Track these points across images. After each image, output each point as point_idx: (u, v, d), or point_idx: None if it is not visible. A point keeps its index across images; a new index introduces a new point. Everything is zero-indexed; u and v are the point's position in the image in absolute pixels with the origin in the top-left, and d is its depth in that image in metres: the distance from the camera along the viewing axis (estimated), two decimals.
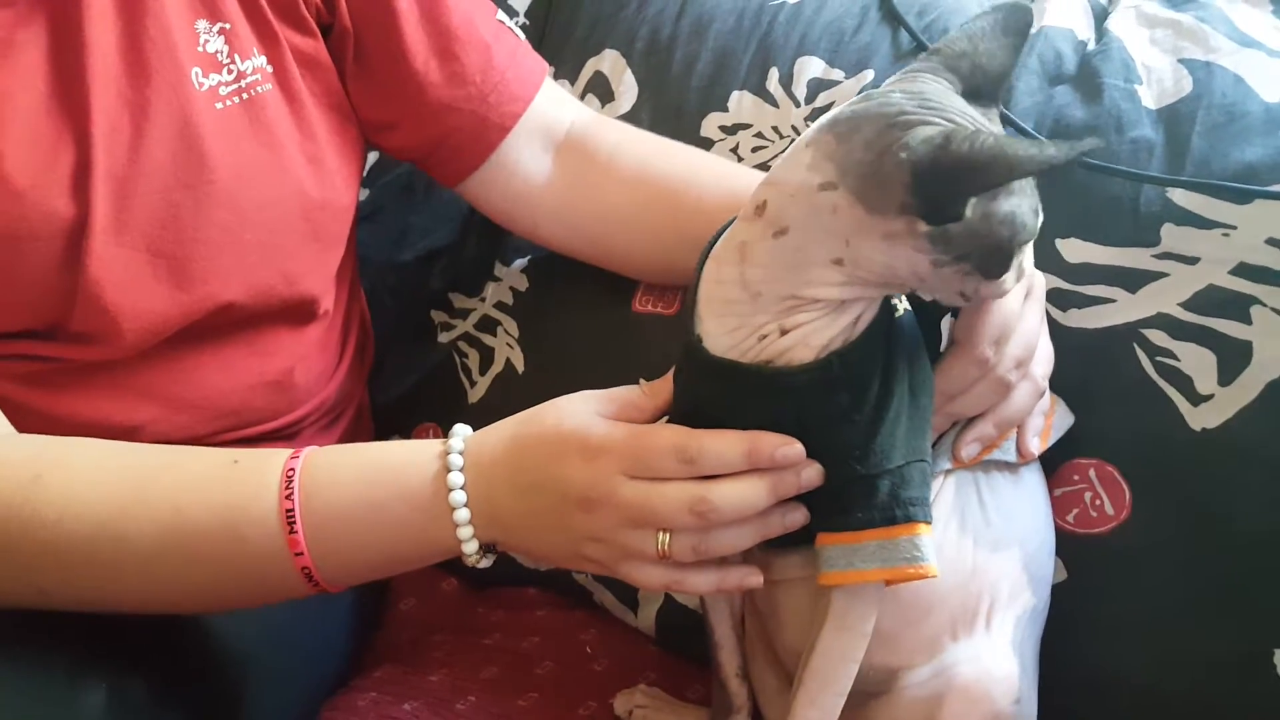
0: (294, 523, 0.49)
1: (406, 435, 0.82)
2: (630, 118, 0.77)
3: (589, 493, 0.47)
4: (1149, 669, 0.57)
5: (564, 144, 0.69)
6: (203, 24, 0.58)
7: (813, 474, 0.47)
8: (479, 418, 0.78)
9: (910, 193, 0.42)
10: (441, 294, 0.84)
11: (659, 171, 0.66)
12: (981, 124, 0.45)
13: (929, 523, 0.47)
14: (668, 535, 0.47)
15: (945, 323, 0.53)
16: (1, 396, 0.56)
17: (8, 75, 0.54)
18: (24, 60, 0.54)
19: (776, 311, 0.46)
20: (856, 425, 0.46)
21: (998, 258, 0.44)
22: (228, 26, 0.59)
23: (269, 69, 0.60)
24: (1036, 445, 0.55)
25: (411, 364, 0.83)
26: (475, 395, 0.79)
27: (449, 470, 0.50)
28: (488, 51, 0.65)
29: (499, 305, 0.80)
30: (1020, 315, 0.52)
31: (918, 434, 0.48)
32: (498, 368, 0.78)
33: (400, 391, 0.83)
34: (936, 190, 0.42)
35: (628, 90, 0.79)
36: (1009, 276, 0.46)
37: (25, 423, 0.56)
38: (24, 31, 0.54)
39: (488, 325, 0.80)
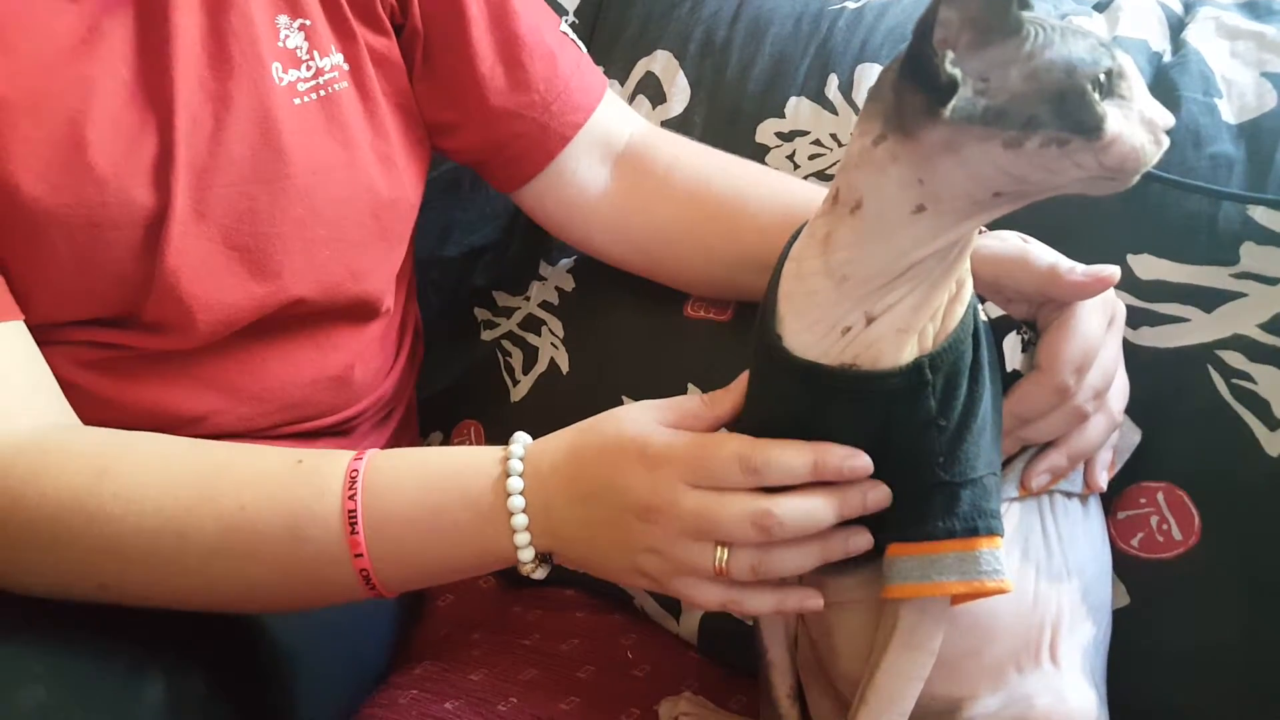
0: (355, 523, 0.49)
1: (447, 432, 0.81)
2: (682, 120, 0.76)
3: (649, 500, 0.47)
4: (1210, 701, 0.56)
5: (622, 156, 0.69)
6: (284, 19, 0.59)
7: (880, 496, 0.46)
8: (521, 417, 0.80)
9: (914, 89, 0.41)
10: (485, 291, 0.84)
11: (716, 187, 0.66)
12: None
13: (1003, 536, 0.46)
14: (726, 551, 0.46)
15: (1008, 347, 0.52)
16: (69, 382, 0.56)
17: (93, 63, 0.54)
18: (109, 48, 0.54)
19: (862, 296, 0.44)
20: (944, 431, 0.45)
21: (1074, 106, 0.40)
22: (308, 23, 0.59)
23: (345, 67, 0.61)
24: (1104, 479, 0.53)
25: (454, 361, 0.83)
26: (518, 394, 0.78)
27: (508, 475, 0.49)
28: (553, 60, 0.66)
29: (544, 304, 0.79)
30: (1103, 343, 0.51)
31: (997, 444, 0.47)
32: (541, 367, 0.78)
33: (442, 388, 0.82)
34: (921, 69, 0.41)
35: (680, 92, 0.78)
36: (1112, 122, 0.40)
37: (90, 409, 0.56)
38: (110, 19, 0.55)
39: (532, 324, 0.79)
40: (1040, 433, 0.51)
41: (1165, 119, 0.42)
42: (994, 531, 0.45)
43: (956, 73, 0.40)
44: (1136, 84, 0.42)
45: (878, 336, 0.45)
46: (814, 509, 0.45)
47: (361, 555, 0.49)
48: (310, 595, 0.52)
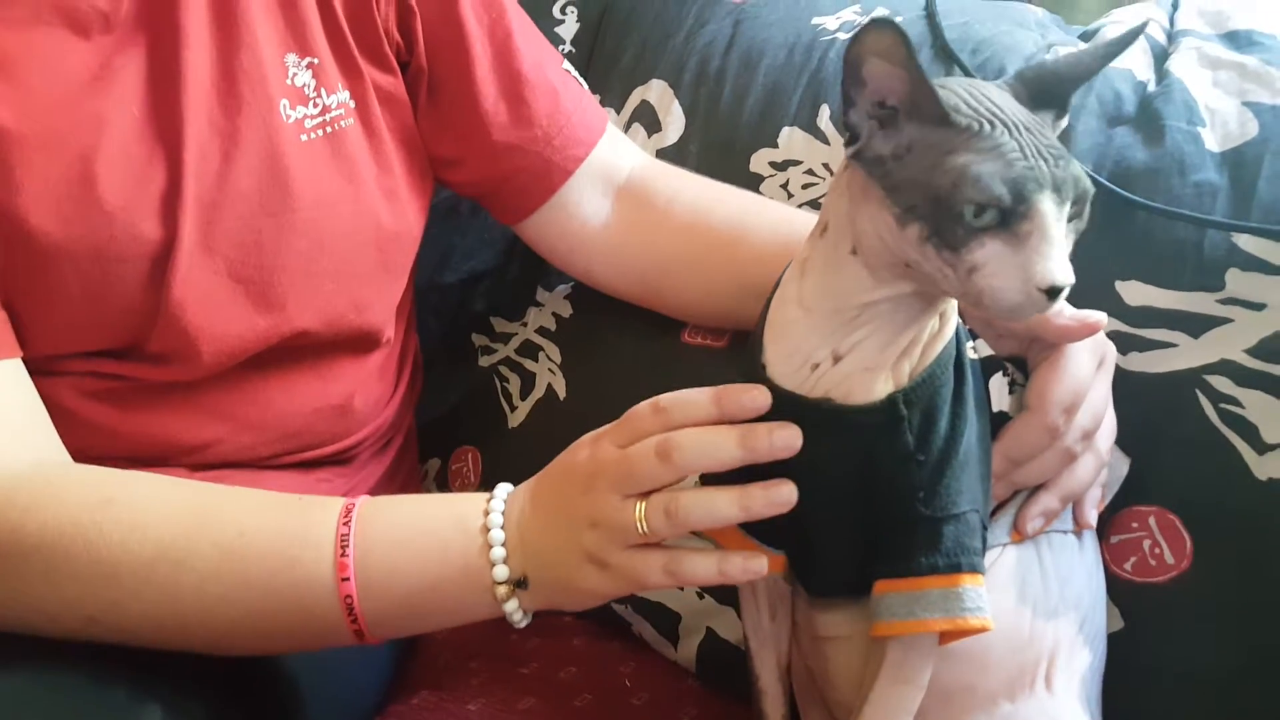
0: (346, 547, 0.50)
1: (445, 459, 0.82)
2: (677, 149, 0.77)
3: (587, 468, 0.49)
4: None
5: (623, 189, 0.70)
6: (292, 58, 0.60)
7: (787, 435, 0.46)
8: (518, 443, 0.80)
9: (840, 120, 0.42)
10: (483, 317, 0.84)
11: (716, 218, 0.67)
12: (1020, 122, 0.41)
13: (984, 573, 0.46)
14: (644, 505, 0.47)
15: (995, 388, 0.53)
16: (71, 412, 0.57)
17: (105, 99, 0.55)
18: (121, 85, 0.55)
19: (827, 332, 0.45)
20: (923, 465, 0.45)
21: (946, 217, 0.40)
22: (316, 61, 0.60)
23: (352, 104, 0.61)
24: (1094, 516, 0.54)
25: (452, 387, 0.83)
26: (515, 420, 0.79)
27: (493, 498, 0.52)
28: (555, 96, 0.67)
29: (541, 330, 0.80)
30: (1092, 384, 0.51)
31: (983, 481, 0.47)
32: (539, 393, 0.78)
33: (439, 414, 0.83)
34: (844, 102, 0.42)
35: (675, 121, 0.79)
36: (977, 252, 0.39)
37: (91, 438, 0.57)
38: (122, 57, 0.56)
39: (529, 350, 0.80)
40: (1031, 475, 0.51)
41: (1053, 279, 0.40)
42: (975, 569, 0.46)
43: (856, 121, 0.42)
44: (1043, 234, 0.40)
45: (846, 374, 0.46)
46: (715, 437, 0.47)
47: (349, 579, 0.50)
48: (295, 628, 0.52)
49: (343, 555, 0.50)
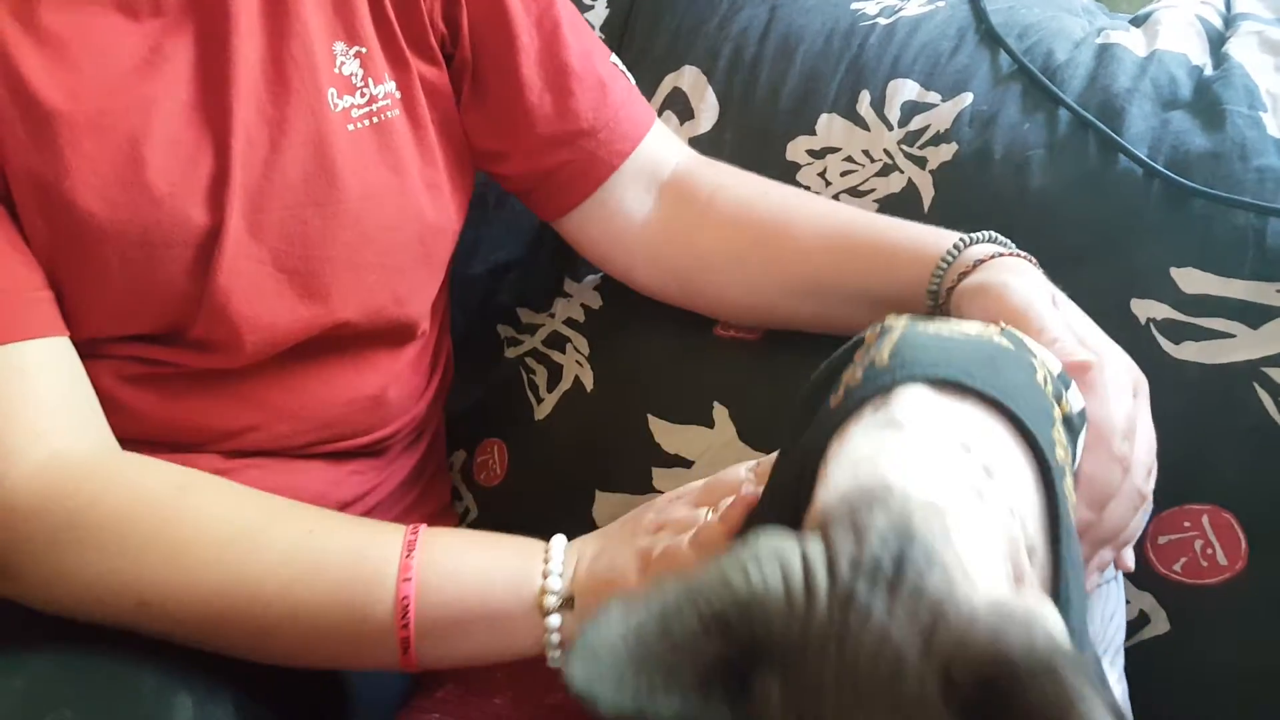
0: (413, 550, 0.51)
1: (471, 451, 0.81)
2: (711, 138, 0.76)
3: (658, 508, 0.51)
4: None
5: (666, 185, 0.68)
6: (340, 46, 0.59)
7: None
8: (544, 435, 0.79)
9: None
10: (509, 309, 0.83)
11: (757, 214, 0.65)
12: None
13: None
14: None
15: None
16: (109, 395, 0.57)
17: (154, 83, 0.55)
18: (170, 69, 0.55)
19: None
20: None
21: None
22: (364, 50, 0.59)
23: (398, 95, 0.61)
24: (1132, 558, 0.51)
25: (478, 378, 0.82)
26: (541, 412, 0.78)
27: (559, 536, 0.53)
28: (603, 90, 0.66)
29: (569, 322, 0.79)
30: (1136, 411, 0.49)
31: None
32: (565, 385, 0.77)
33: (466, 405, 0.82)
34: None
35: (709, 109, 0.78)
36: None
37: (128, 422, 0.57)
38: (172, 41, 0.55)
39: (556, 342, 0.79)
40: (1113, 523, 0.47)
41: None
42: None
43: None
44: None
45: None
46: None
47: (409, 580, 0.50)
48: (347, 629, 0.51)
49: (408, 556, 0.50)
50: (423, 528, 0.52)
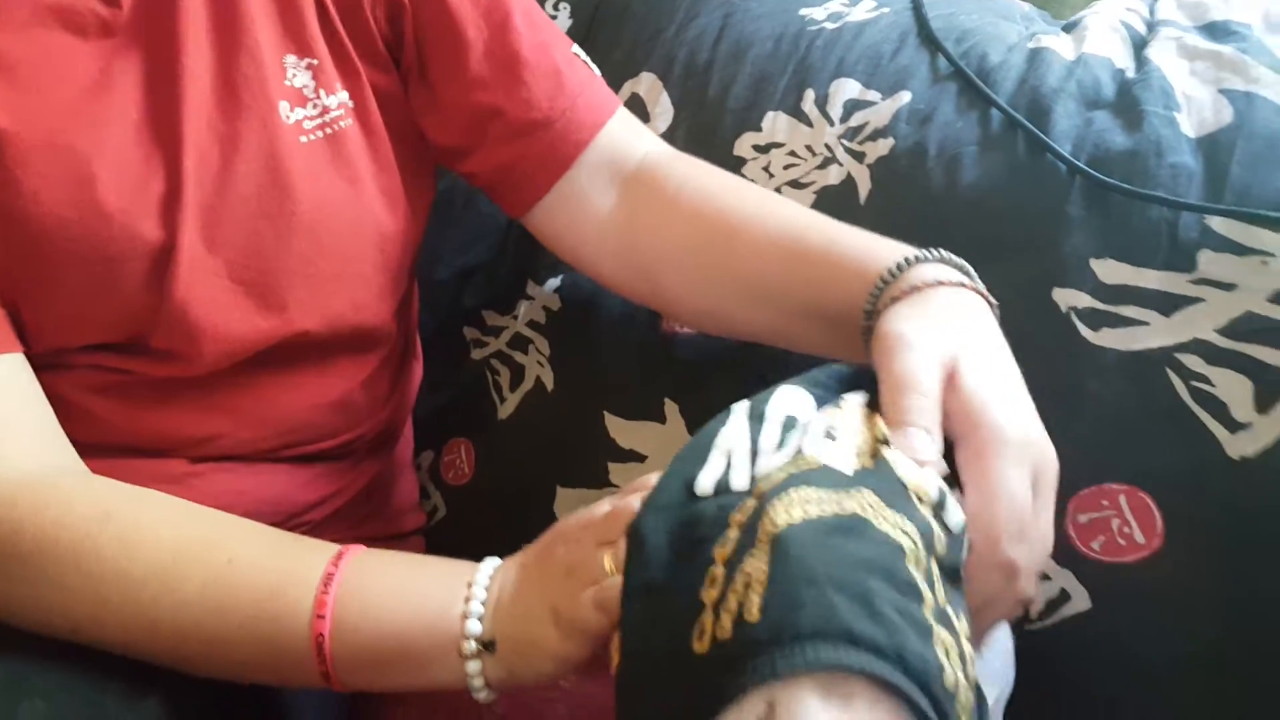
0: (330, 584, 0.49)
1: (438, 451, 0.83)
2: (664, 138, 0.77)
3: (578, 522, 0.49)
4: (1174, 706, 0.55)
5: (633, 176, 0.67)
6: (291, 59, 0.59)
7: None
8: (508, 434, 0.81)
9: None
10: (475, 311, 0.85)
11: (719, 207, 0.63)
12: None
13: None
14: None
15: None
16: (75, 405, 0.57)
17: (104, 102, 0.55)
18: (120, 88, 0.56)
19: None
20: None
21: None
22: (315, 62, 0.60)
23: (351, 104, 0.61)
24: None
25: (445, 381, 0.84)
26: (504, 412, 0.79)
27: (488, 560, 0.51)
28: (558, 78, 0.64)
29: (531, 324, 0.80)
30: (1035, 512, 0.43)
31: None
32: (528, 385, 0.79)
33: (433, 407, 0.84)
34: None
35: (664, 112, 0.80)
36: None
37: (95, 431, 0.57)
38: (121, 61, 0.56)
39: (519, 343, 0.80)
40: (986, 622, 0.44)
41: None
42: None
43: None
44: None
45: None
46: None
47: (323, 617, 0.49)
48: (267, 661, 0.50)
49: (324, 592, 0.49)
50: (347, 555, 0.51)
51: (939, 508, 0.39)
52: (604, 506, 0.49)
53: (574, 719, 0.59)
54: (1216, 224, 0.58)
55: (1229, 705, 0.54)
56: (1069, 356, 0.58)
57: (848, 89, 0.73)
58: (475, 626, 0.48)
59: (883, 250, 0.54)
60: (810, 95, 0.74)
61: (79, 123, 0.54)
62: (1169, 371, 0.57)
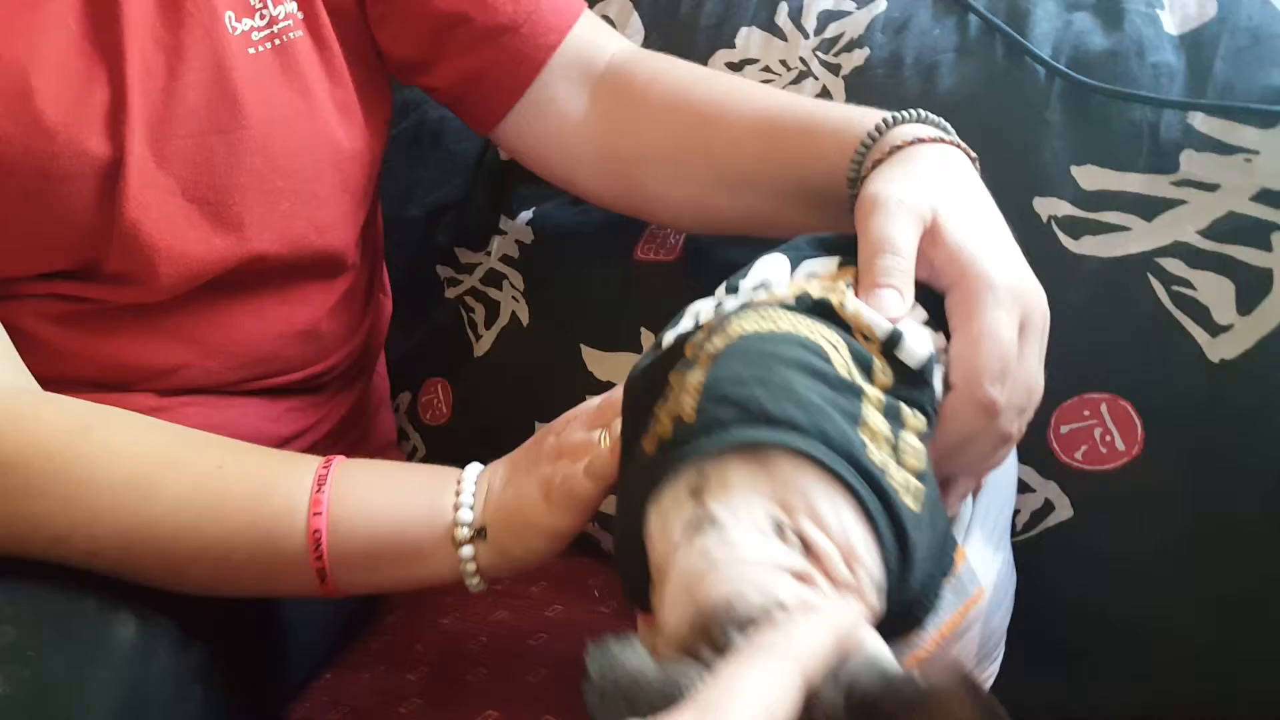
0: (324, 485, 0.50)
1: (415, 391, 0.82)
2: None
3: (563, 420, 0.52)
4: (1156, 609, 0.55)
5: (602, 78, 0.65)
6: None
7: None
8: (485, 371, 0.80)
9: None
10: (447, 249, 0.83)
11: (694, 97, 0.62)
12: None
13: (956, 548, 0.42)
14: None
15: None
16: (35, 337, 0.56)
17: (40, 12, 0.53)
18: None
19: None
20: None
21: None
22: None
23: (300, 15, 0.59)
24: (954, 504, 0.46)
25: (420, 321, 0.83)
26: (481, 349, 0.78)
27: (473, 464, 0.53)
28: None
29: (504, 259, 0.79)
30: (1018, 350, 0.43)
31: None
32: (503, 321, 0.78)
33: (408, 348, 0.83)
34: None
35: (634, 34, 0.77)
36: None
37: (57, 363, 0.56)
38: None
39: (493, 279, 0.79)
40: (967, 464, 0.44)
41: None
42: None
43: None
44: None
45: None
46: None
47: (320, 514, 0.49)
48: (261, 565, 0.51)
49: (318, 491, 0.50)
50: (336, 460, 0.52)
51: (890, 345, 0.41)
52: (593, 402, 0.52)
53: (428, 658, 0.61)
54: (1199, 123, 0.57)
55: (1205, 604, 0.55)
56: (1050, 267, 0.56)
57: (821, 3, 0.71)
58: (467, 515, 0.50)
59: (860, 118, 0.53)
60: (784, 8, 0.72)
61: (12, 33, 0.52)
62: (1150, 277, 0.56)
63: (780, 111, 0.58)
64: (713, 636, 0.32)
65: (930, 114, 0.52)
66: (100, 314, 0.58)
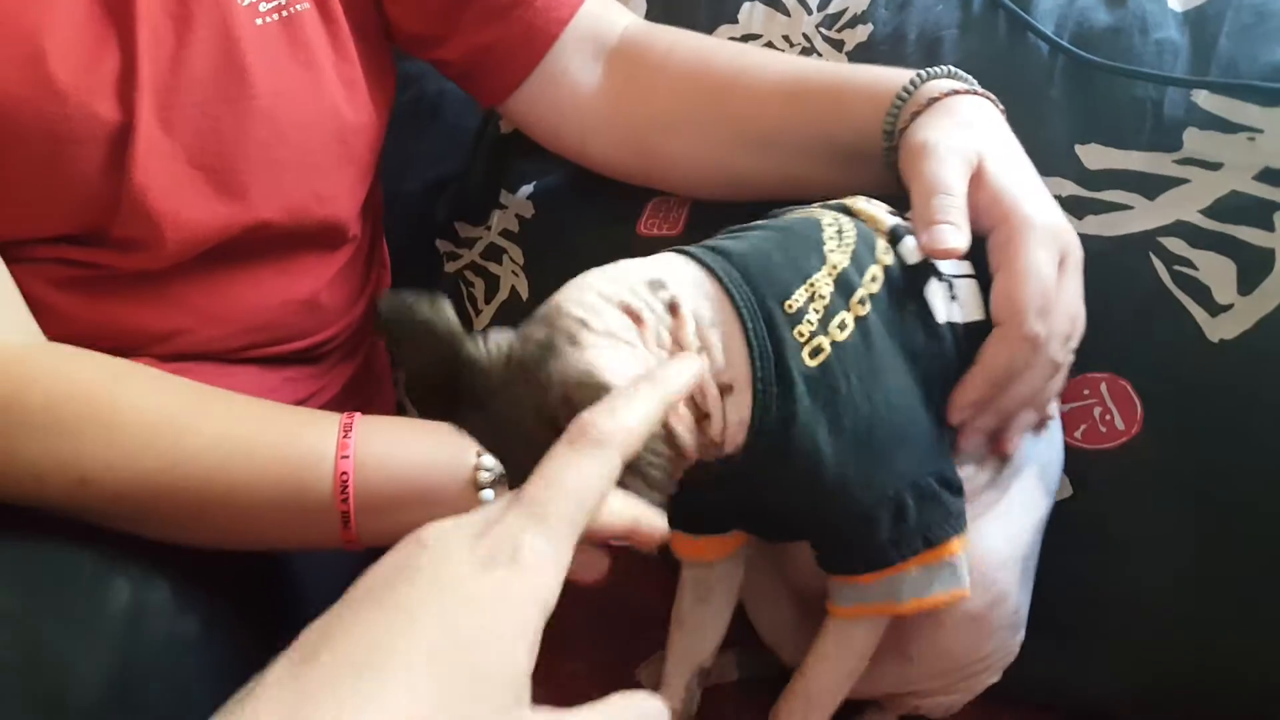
0: (350, 431, 0.51)
1: None
2: None
3: None
4: (1155, 588, 0.56)
5: (615, 50, 0.66)
6: None
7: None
8: None
9: None
10: (447, 224, 0.83)
11: (714, 68, 0.63)
12: None
13: (954, 537, 0.44)
14: None
15: (937, 297, 0.47)
16: (38, 300, 0.57)
17: None
18: None
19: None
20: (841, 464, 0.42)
21: None
22: None
23: None
24: (1055, 410, 0.51)
25: None
26: (480, 324, 0.78)
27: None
28: None
29: (504, 233, 0.79)
30: (1059, 284, 0.47)
31: (914, 447, 0.44)
32: (503, 295, 0.77)
33: None
34: None
35: (637, 8, 0.77)
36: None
37: (59, 326, 0.56)
38: None
39: (493, 253, 0.79)
40: (1019, 397, 0.47)
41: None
42: (932, 544, 0.44)
43: None
44: None
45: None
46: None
47: (347, 457, 0.51)
48: (287, 508, 0.51)
49: (345, 436, 0.51)
50: (356, 415, 0.53)
51: (894, 239, 0.47)
52: None
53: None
54: (1203, 100, 0.57)
55: (1205, 582, 0.55)
56: None
57: None
58: (490, 459, 0.52)
59: (890, 75, 0.56)
60: None
61: None
62: (1151, 255, 0.56)
63: (805, 73, 0.59)
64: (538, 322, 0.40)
65: (958, 70, 0.54)
66: (105, 280, 0.58)
